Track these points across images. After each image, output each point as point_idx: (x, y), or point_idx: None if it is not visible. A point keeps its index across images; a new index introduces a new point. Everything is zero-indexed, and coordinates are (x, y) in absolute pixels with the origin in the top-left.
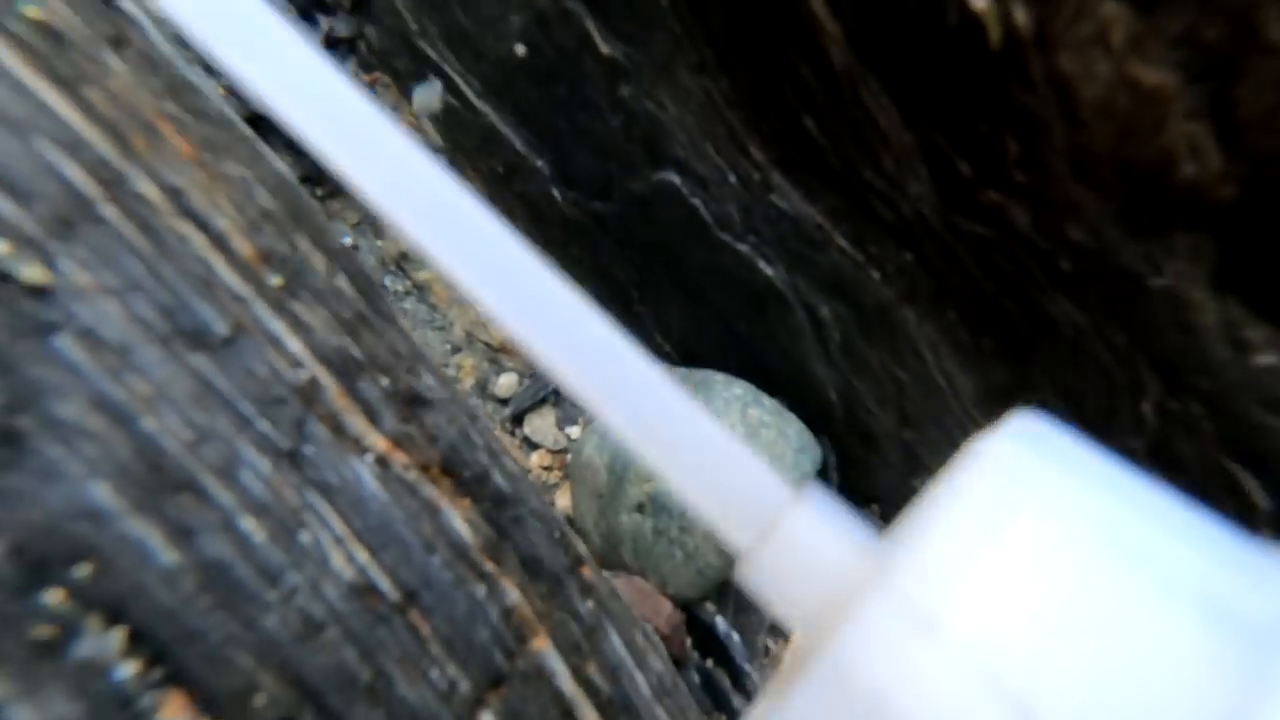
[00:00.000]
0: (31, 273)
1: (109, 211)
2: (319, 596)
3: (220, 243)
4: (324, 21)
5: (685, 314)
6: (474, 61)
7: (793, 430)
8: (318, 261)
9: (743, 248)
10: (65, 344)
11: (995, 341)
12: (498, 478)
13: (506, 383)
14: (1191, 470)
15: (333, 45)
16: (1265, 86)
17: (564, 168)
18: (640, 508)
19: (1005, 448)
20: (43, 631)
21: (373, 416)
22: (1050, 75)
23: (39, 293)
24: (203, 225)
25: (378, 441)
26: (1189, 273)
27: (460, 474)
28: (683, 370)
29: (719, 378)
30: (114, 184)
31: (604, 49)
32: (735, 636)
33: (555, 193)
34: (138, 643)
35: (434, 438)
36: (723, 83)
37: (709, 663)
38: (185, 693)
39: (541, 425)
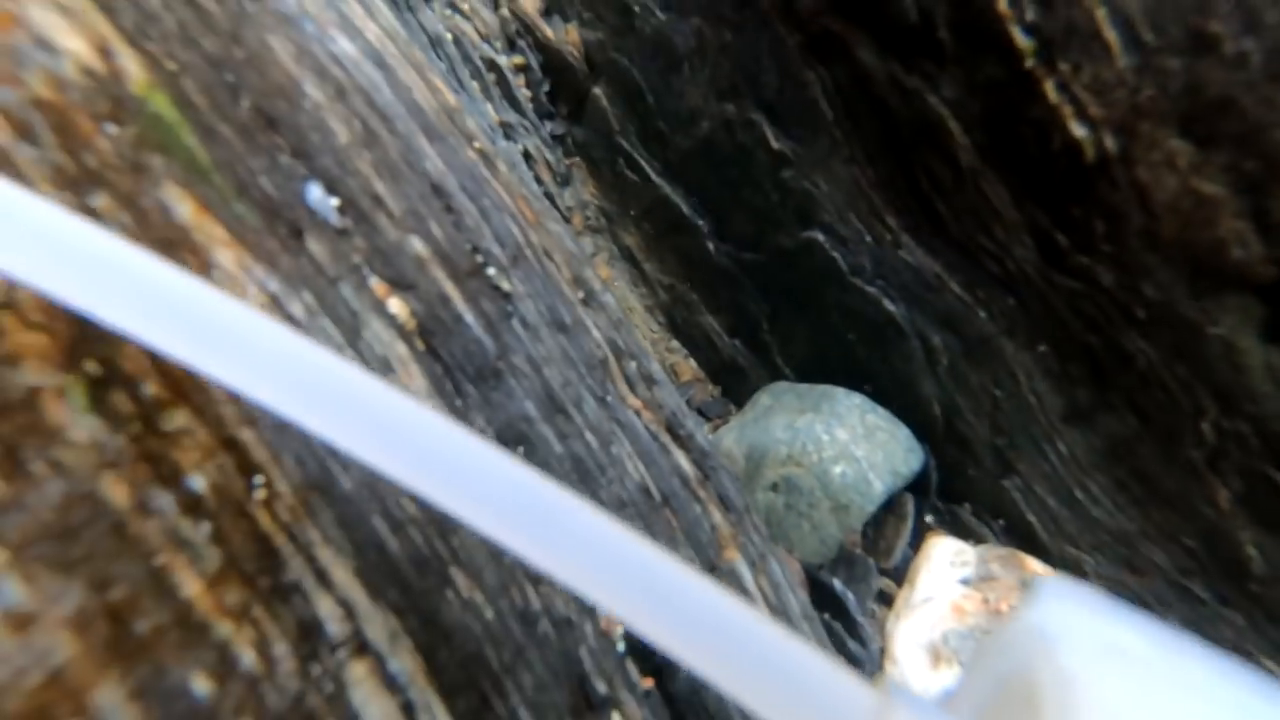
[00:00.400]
0: (505, 284)
1: (528, 253)
2: (624, 487)
3: (560, 271)
4: (546, 124)
5: (808, 341)
6: (660, 150)
7: (903, 434)
8: (597, 284)
9: (870, 290)
10: (516, 324)
11: (1080, 368)
12: (699, 438)
13: None
14: (1241, 475)
15: (554, 139)
16: None
17: (721, 227)
18: (774, 487)
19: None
20: None
21: (631, 385)
22: (1131, 181)
23: (506, 296)
24: (552, 260)
25: (634, 402)
26: (1239, 326)
27: (678, 432)
28: (804, 385)
29: (839, 390)
30: (525, 236)
31: (775, 145)
32: (851, 596)
33: (710, 245)
34: None
35: (661, 405)
36: (869, 171)
37: (826, 616)
38: None
39: None
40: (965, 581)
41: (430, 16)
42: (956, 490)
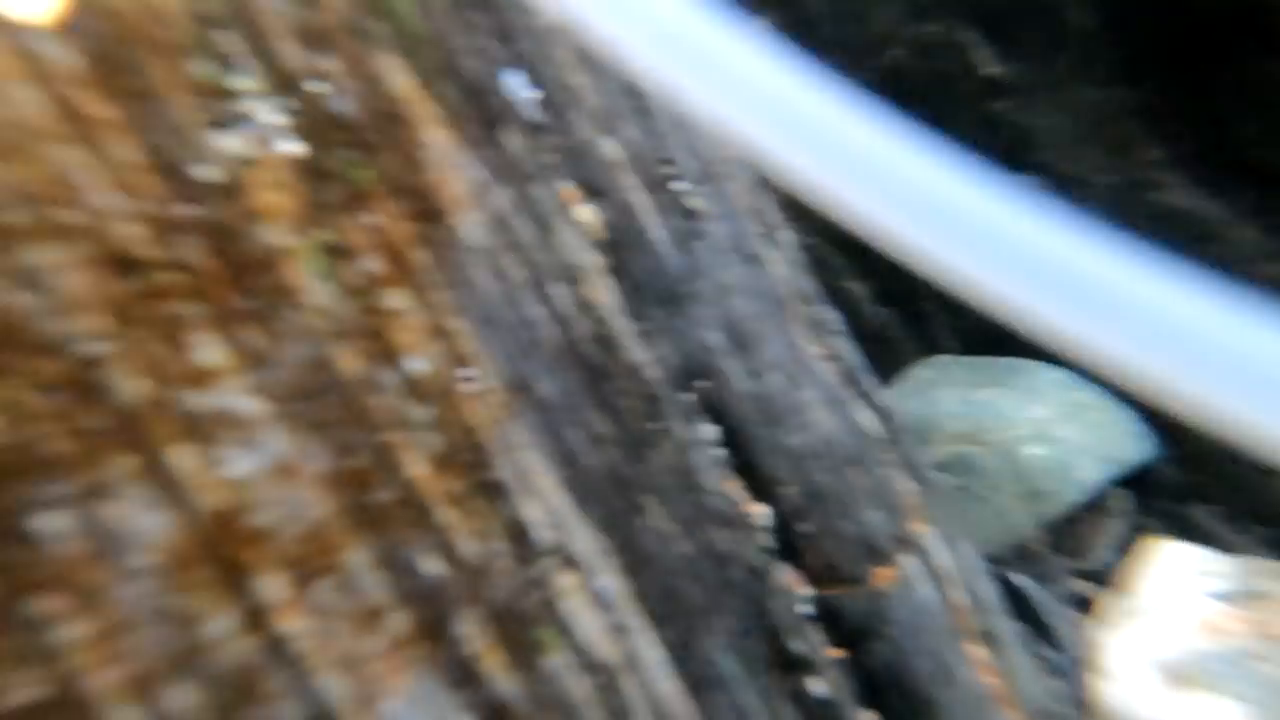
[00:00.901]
0: (693, 201)
1: (716, 169)
2: (813, 434)
3: (740, 199)
4: None
5: (983, 313)
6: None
7: (1123, 417)
8: (774, 217)
9: None
10: (703, 246)
11: None
12: (879, 398)
13: None
14: None
15: None
16: None
17: None
18: (944, 466)
19: None
20: (687, 412)
21: (811, 329)
22: None
23: (694, 214)
24: (734, 181)
25: (815, 350)
26: None
27: (858, 387)
28: (981, 359)
29: (1032, 363)
30: (714, 156)
31: (985, 71)
32: (1040, 594)
33: None
34: (726, 436)
35: (839, 356)
36: (1131, 93)
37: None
38: (743, 478)
39: None
40: (1223, 597)
41: None
42: (1199, 489)
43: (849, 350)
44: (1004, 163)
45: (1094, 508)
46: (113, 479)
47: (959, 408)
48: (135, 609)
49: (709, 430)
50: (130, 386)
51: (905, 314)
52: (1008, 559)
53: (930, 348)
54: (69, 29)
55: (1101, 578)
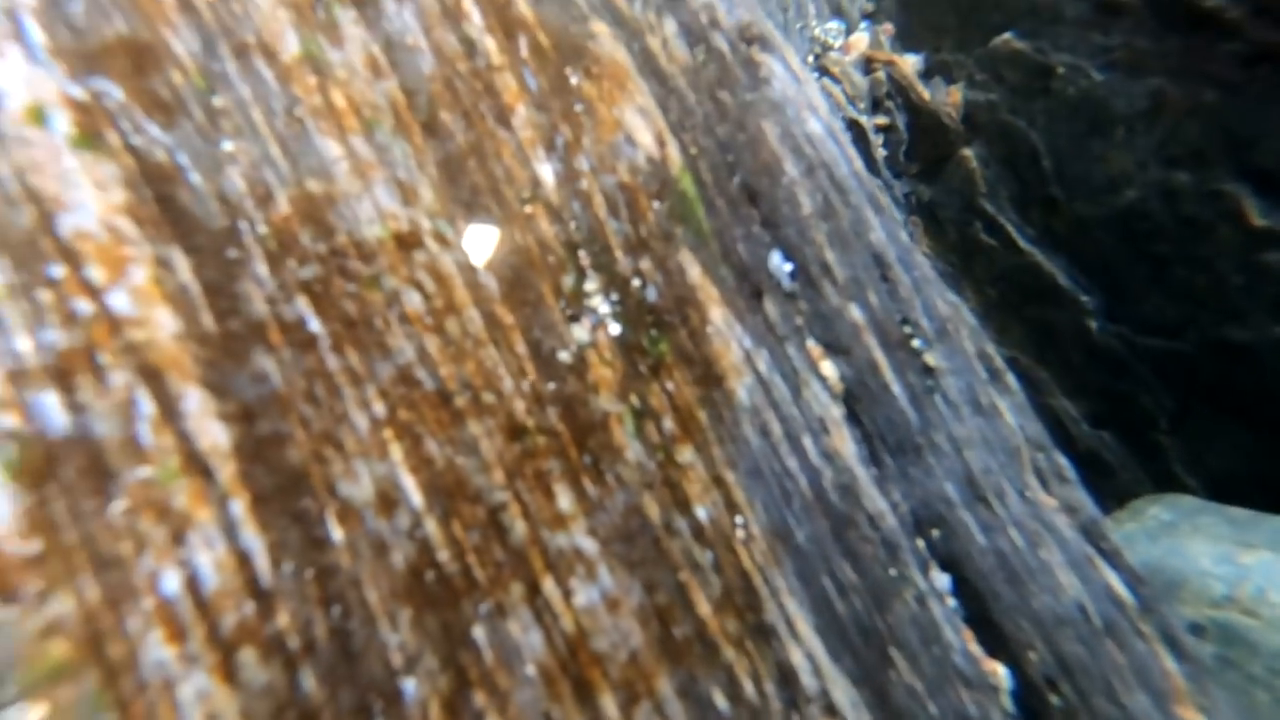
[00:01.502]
0: (930, 358)
1: (950, 328)
2: (1059, 600)
3: (969, 347)
4: (895, 184)
5: (1240, 456)
6: (1042, 217)
7: None
8: (998, 361)
9: None
10: (939, 400)
11: None
12: (1129, 557)
13: None
14: None
15: (901, 199)
16: None
17: (1114, 306)
18: (1197, 629)
19: None
20: (918, 562)
21: (1044, 480)
22: None
23: (930, 370)
24: (961, 333)
25: (1048, 501)
26: None
27: (1102, 544)
28: (1240, 510)
29: None
30: (952, 309)
31: (1257, 222)
32: None
33: (1090, 323)
34: (961, 587)
35: (1076, 509)
36: None
37: None
38: (976, 632)
39: None
40: None
41: None
42: None
43: (1086, 501)
44: (1272, 316)
45: None
46: (511, 602)
47: (1221, 567)
48: (527, 712)
49: (942, 580)
50: (520, 527)
51: (1130, 440)
52: None
53: (1159, 481)
54: (493, 264)
55: None
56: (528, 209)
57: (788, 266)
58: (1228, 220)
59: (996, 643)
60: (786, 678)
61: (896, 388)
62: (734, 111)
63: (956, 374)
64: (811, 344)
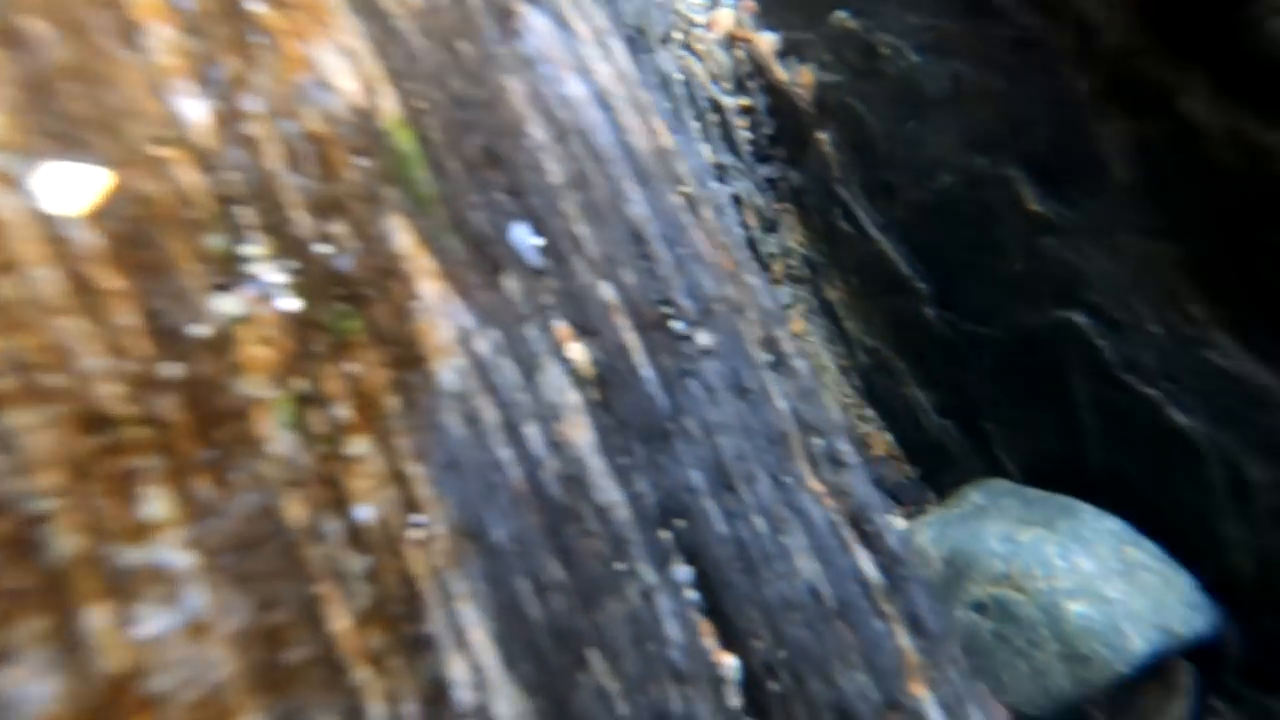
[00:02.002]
0: (689, 340)
1: (718, 308)
2: (792, 586)
3: (749, 329)
4: (761, 168)
5: (1044, 438)
6: (885, 202)
7: (1183, 583)
8: (788, 345)
9: (1149, 391)
10: (694, 384)
11: None
12: (891, 539)
13: None
14: None
15: (767, 183)
16: None
17: (945, 294)
18: (981, 608)
19: None
20: (660, 555)
21: (814, 465)
22: None
23: (688, 353)
24: (743, 315)
25: (816, 485)
26: None
27: (865, 527)
28: (1034, 491)
29: (1085, 507)
30: (719, 291)
31: (1032, 207)
32: None
33: (928, 311)
34: (700, 579)
35: (848, 493)
36: (1173, 248)
37: None
38: (713, 623)
39: None
40: None
41: (665, 57)
42: (1271, 675)
43: (861, 484)
44: (1053, 301)
45: (1153, 682)
46: (18, 642)
47: (1004, 546)
48: None
49: (684, 572)
50: (66, 543)
51: (966, 428)
52: None
53: (990, 467)
54: (100, 215)
55: None
56: (159, 151)
57: (536, 240)
58: (1013, 206)
59: (729, 634)
60: (436, 694)
61: (647, 371)
62: (473, 64)
63: (720, 357)
64: (560, 324)
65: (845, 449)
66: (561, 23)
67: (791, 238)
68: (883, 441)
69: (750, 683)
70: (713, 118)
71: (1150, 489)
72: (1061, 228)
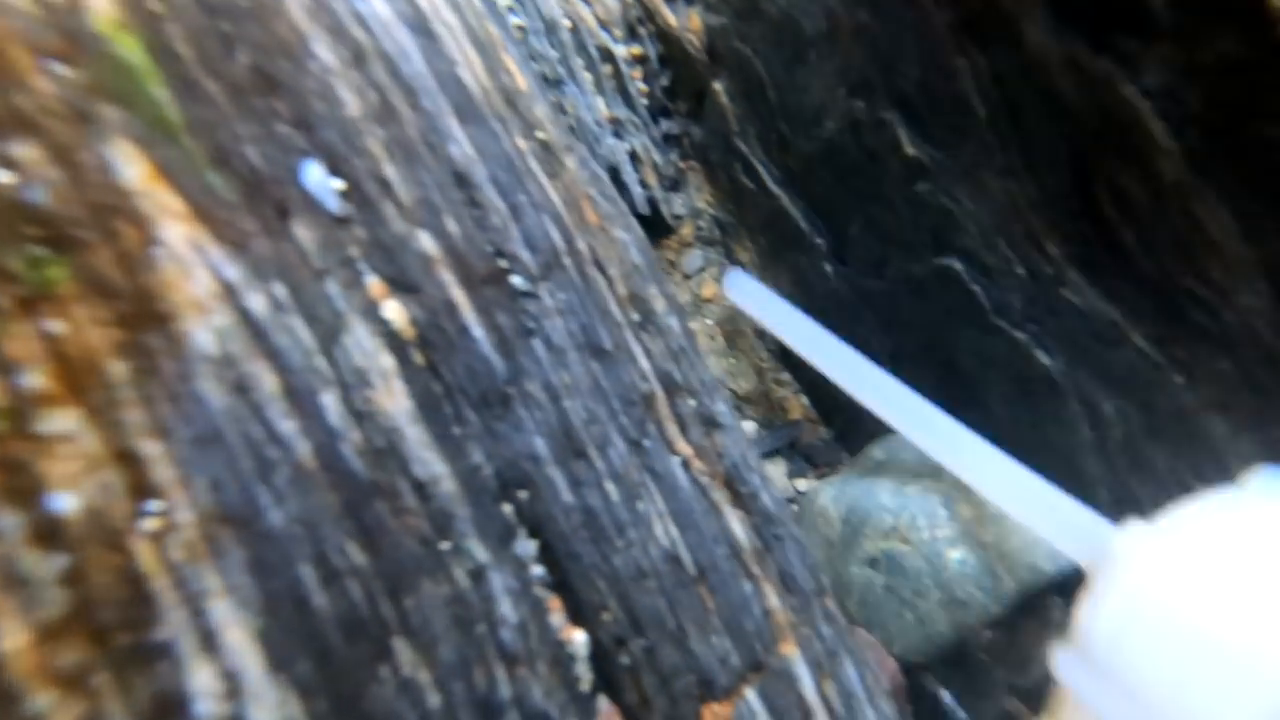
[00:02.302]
0: (529, 295)
1: (567, 261)
2: (646, 553)
3: (611, 285)
4: (663, 123)
5: (937, 391)
6: (780, 156)
7: None
8: (659, 304)
9: (1019, 335)
10: (537, 344)
11: None
12: (766, 499)
13: (747, 429)
14: None
15: (668, 140)
16: None
17: (840, 248)
18: (873, 563)
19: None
20: (501, 529)
21: (683, 427)
22: None
23: (529, 310)
24: (604, 271)
25: (684, 448)
26: None
27: (738, 489)
28: None
29: None
30: (570, 243)
31: (909, 151)
32: (962, 713)
33: (827, 267)
34: (544, 552)
35: (721, 455)
36: (1029, 186)
37: None
38: (561, 598)
39: (774, 473)
40: None
41: (551, 1)
42: None
43: (736, 445)
44: (932, 248)
45: (1027, 618)
46: None
47: (893, 500)
48: None
49: (527, 546)
50: None
51: None
52: (941, 668)
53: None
54: None
55: (1034, 697)
56: None
57: (336, 183)
58: (892, 151)
59: (577, 608)
60: (164, 711)
61: (479, 331)
62: None
63: (569, 314)
64: (373, 280)
65: (721, 409)
66: None
67: (700, 198)
68: (798, 404)
69: (599, 656)
70: (606, 69)
71: (1026, 434)
72: (934, 171)
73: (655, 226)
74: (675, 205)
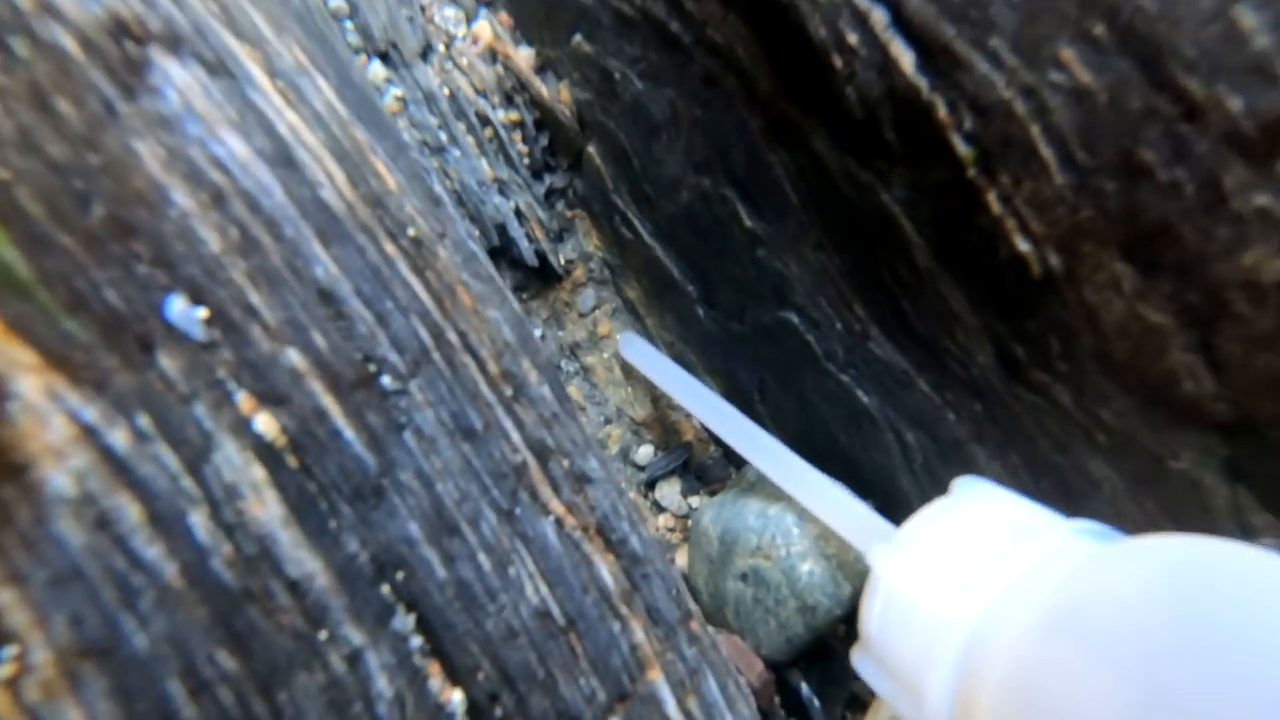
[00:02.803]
0: (399, 394)
1: (436, 356)
2: (517, 613)
3: (483, 367)
4: (547, 178)
5: (798, 418)
6: (650, 212)
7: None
8: (533, 376)
9: (844, 378)
10: (408, 436)
11: (1051, 487)
12: (634, 542)
13: (644, 453)
14: None
15: (552, 194)
16: (1236, 341)
17: (708, 294)
18: (744, 577)
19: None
20: (379, 609)
21: (556, 489)
22: (1079, 301)
23: (400, 407)
24: (475, 354)
25: (557, 507)
26: (1202, 462)
27: (609, 536)
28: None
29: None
30: (439, 336)
31: (747, 223)
32: (816, 703)
33: (699, 310)
34: (420, 625)
35: (593, 507)
36: (835, 259)
37: None
38: (440, 662)
39: (669, 492)
40: None
41: (426, 71)
42: None
43: (606, 496)
44: (775, 302)
45: None
46: None
47: (758, 521)
48: None
49: (404, 622)
50: None
51: (748, 412)
52: (804, 663)
53: None
54: None
55: None
56: None
57: (200, 312)
58: (735, 221)
59: (453, 671)
60: None
61: (349, 433)
62: (79, 128)
63: (439, 404)
64: (244, 397)
65: (592, 465)
66: (220, 72)
67: (589, 243)
68: (690, 427)
69: (475, 712)
70: (487, 132)
71: (861, 458)
72: (768, 241)
73: (545, 275)
74: (566, 251)
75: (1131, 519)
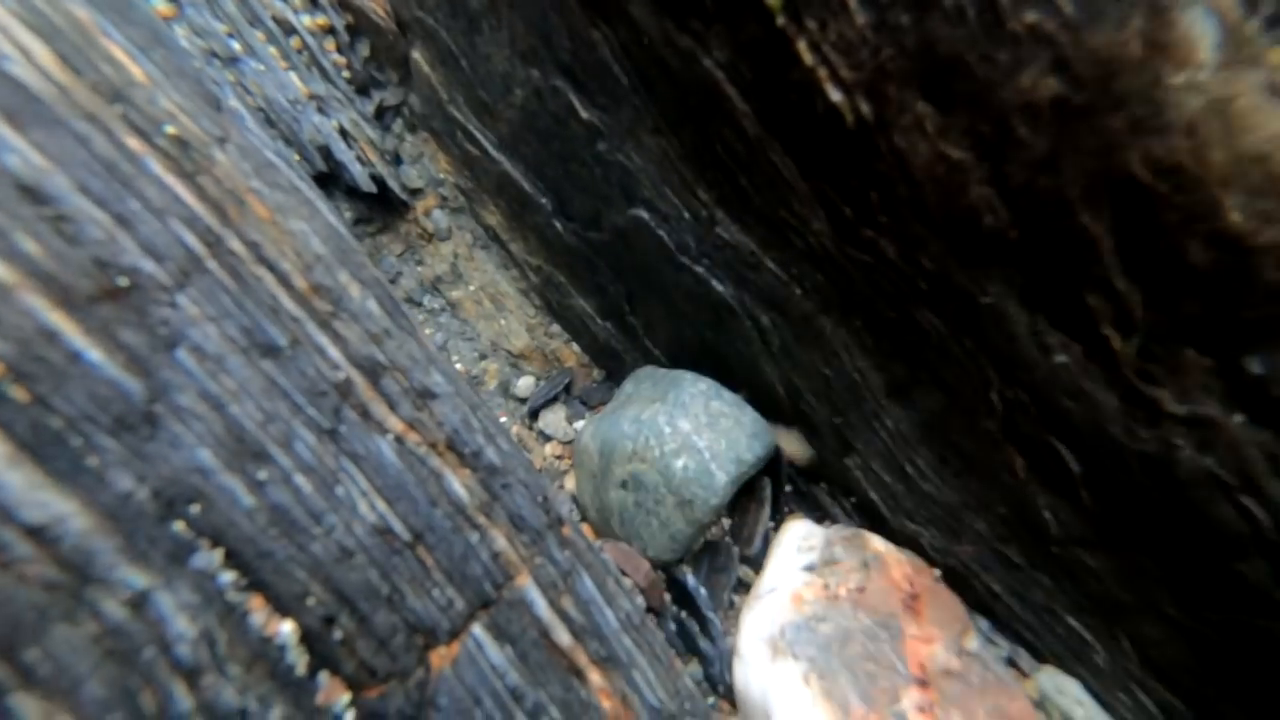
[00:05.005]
0: (164, 306)
1: (211, 264)
2: (350, 533)
3: (284, 280)
4: (375, 94)
5: (667, 324)
6: (491, 121)
7: (748, 419)
8: (355, 290)
9: (699, 269)
10: (183, 355)
11: (890, 344)
12: (490, 454)
13: (525, 384)
14: (1028, 442)
15: (385, 111)
16: (1021, 166)
17: (563, 205)
18: (624, 484)
19: None
20: (172, 547)
21: (393, 405)
22: (890, 148)
23: (165, 321)
24: (272, 268)
25: (396, 424)
26: (1005, 293)
27: (461, 450)
28: (662, 370)
29: (688, 375)
30: (215, 244)
31: (584, 115)
32: (703, 591)
33: (558, 224)
34: (230, 559)
35: (440, 423)
36: (674, 142)
37: (683, 614)
38: (263, 594)
39: (554, 420)
40: (809, 568)
41: None
42: (811, 471)
43: (454, 411)
44: (625, 201)
45: (749, 498)
46: None
47: (632, 427)
48: None
49: (209, 557)
50: None
51: (621, 327)
52: (694, 556)
53: (645, 357)
54: None
55: (759, 561)
56: None
57: None
58: (572, 115)
59: (277, 601)
60: None
61: (95, 354)
62: None
63: (223, 318)
64: None
65: (436, 380)
66: None
67: (437, 167)
68: (571, 352)
69: (311, 639)
70: (292, 42)
71: (726, 350)
72: (606, 132)
73: (388, 203)
74: (411, 178)
75: (956, 360)
